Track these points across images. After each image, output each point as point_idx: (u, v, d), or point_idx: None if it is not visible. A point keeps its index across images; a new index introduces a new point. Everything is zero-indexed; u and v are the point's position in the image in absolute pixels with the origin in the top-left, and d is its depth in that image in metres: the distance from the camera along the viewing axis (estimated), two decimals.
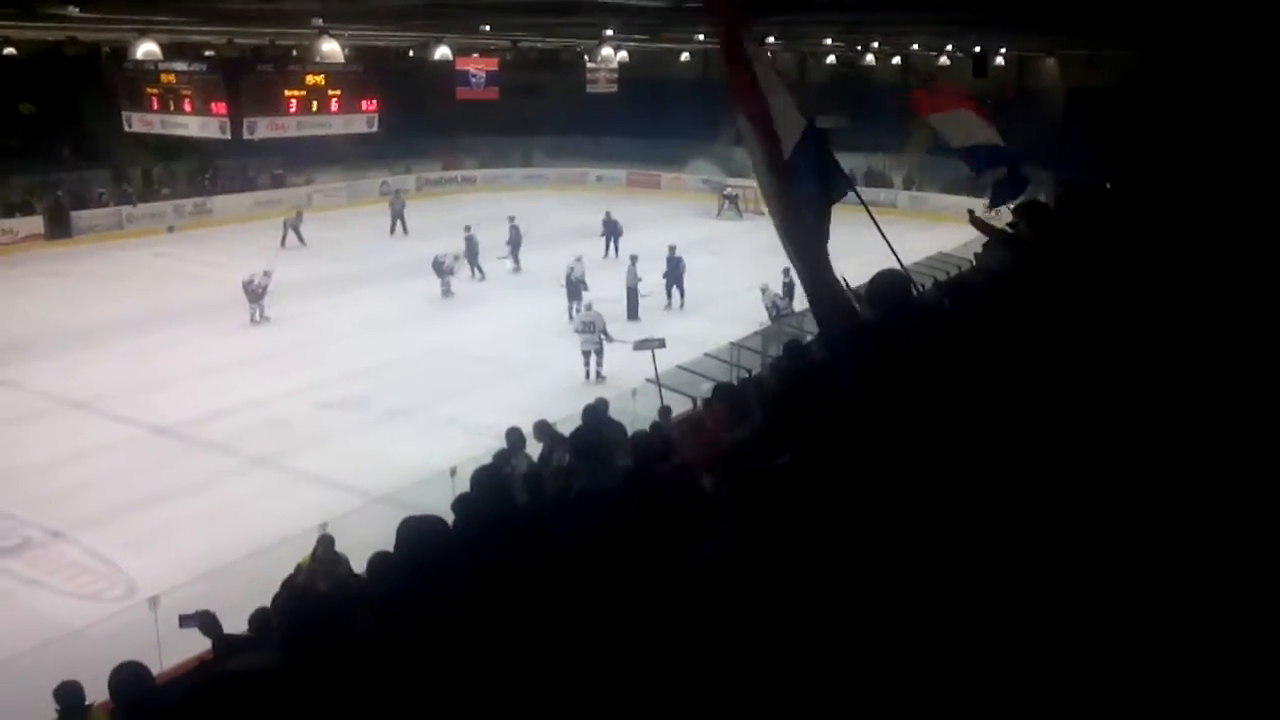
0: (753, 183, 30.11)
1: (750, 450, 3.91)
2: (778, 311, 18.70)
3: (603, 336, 16.81)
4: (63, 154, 31.28)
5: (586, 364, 16.81)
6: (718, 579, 2.57)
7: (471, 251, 23.72)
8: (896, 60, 37.02)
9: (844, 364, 4.35)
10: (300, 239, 29.21)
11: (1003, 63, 34.76)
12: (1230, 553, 2.20)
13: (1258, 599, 2.03)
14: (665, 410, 11.73)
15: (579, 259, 21.07)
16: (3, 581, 10.70)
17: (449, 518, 5.29)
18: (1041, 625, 2.10)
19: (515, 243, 24.80)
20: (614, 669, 2.34)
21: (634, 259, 21.15)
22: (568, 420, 9.09)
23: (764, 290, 19.04)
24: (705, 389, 13.79)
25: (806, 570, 2.51)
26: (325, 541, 8.62)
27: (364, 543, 5.61)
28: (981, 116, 8.82)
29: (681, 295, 21.72)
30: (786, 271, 18.63)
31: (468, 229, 24.05)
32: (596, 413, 9.22)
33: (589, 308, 17.93)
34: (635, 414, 11.59)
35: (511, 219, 24.96)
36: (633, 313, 20.47)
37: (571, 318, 19.98)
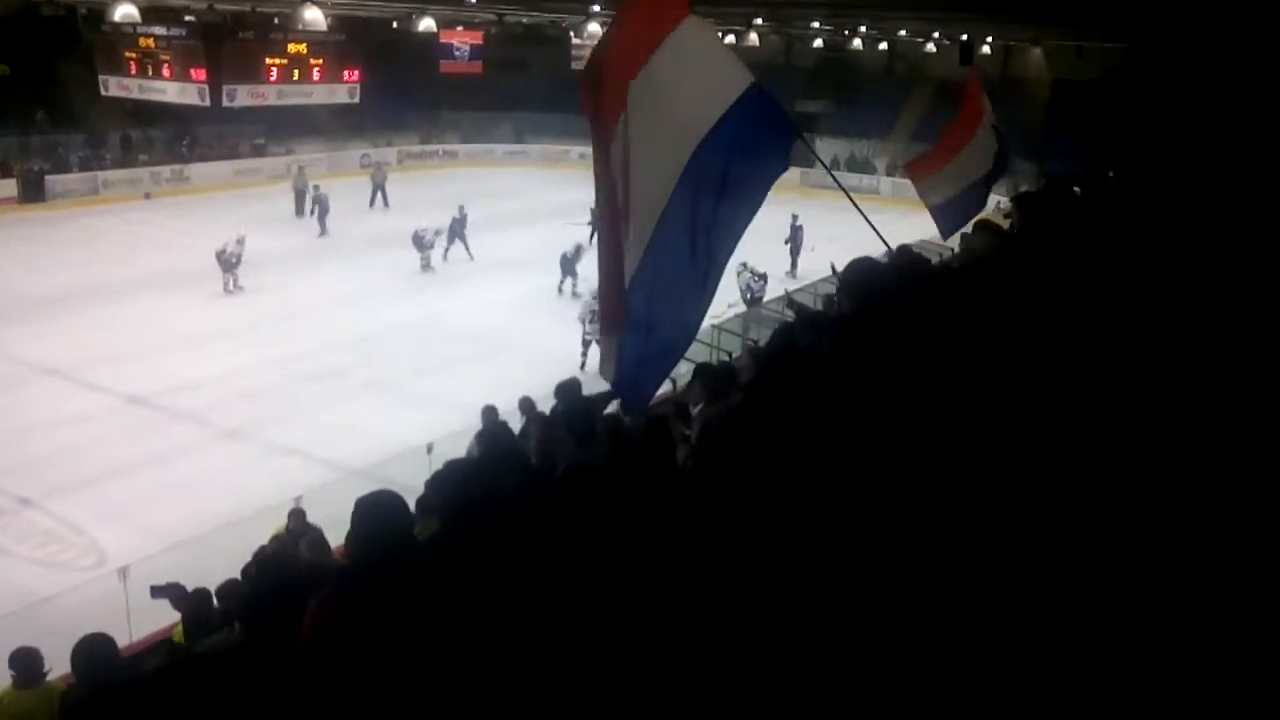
0: None
1: (726, 429, 3.91)
2: (752, 294, 18.75)
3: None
4: (36, 117, 30.81)
5: (585, 353, 16.11)
6: (701, 552, 2.57)
7: (458, 230, 23.17)
8: (883, 46, 36.98)
9: (824, 349, 4.34)
10: (385, 201, 29.35)
11: (989, 51, 34.76)
12: (1212, 535, 2.22)
13: (1248, 584, 2.04)
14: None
15: (578, 246, 21.04)
16: None
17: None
18: (1021, 600, 2.10)
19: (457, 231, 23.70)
20: (602, 654, 2.33)
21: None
22: (547, 398, 9.07)
23: (742, 268, 19.04)
24: (684, 370, 13.84)
25: (781, 550, 2.51)
26: (297, 514, 8.60)
27: (339, 516, 5.58)
28: (976, 136, 8.49)
29: (795, 265, 22.59)
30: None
31: (461, 209, 23.47)
32: (573, 390, 9.19)
33: (593, 294, 16.95)
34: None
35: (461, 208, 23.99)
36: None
37: (561, 292, 20.50)
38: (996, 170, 8.55)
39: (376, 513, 2.85)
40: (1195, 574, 2.11)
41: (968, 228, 7.33)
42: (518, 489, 3.29)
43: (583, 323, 16.47)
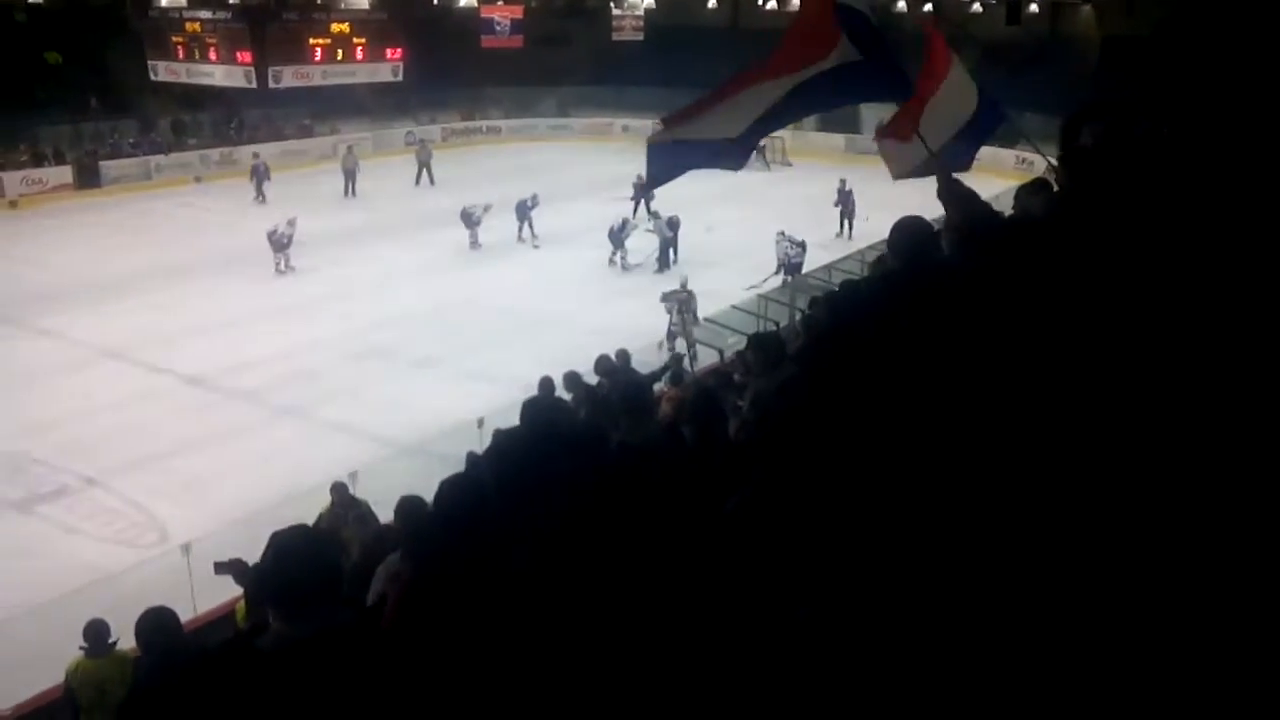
0: (781, 133, 29.73)
1: (780, 400, 3.89)
2: (789, 260, 18.62)
3: (691, 318, 15.60)
4: (89, 104, 31.36)
5: (671, 345, 15.43)
6: (747, 525, 2.57)
7: (524, 212, 22.72)
8: (929, 7, 36.29)
9: (871, 312, 4.29)
10: (431, 178, 29.43)
11: (1036, 9, 33.96)
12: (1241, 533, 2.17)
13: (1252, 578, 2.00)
14: (677, 358, 11.80)
15: (625, 219, 21.02)
16: (40, 527, 10.92)
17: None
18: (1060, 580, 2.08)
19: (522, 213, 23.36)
20: (647, 622, 2.35)
21: (656, 215, 21.02)
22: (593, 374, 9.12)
23: (780, 236, 18.93)
24: (732, 342, 13.83)
25: (830, 517, 2.50)
26: (338, 489, 8.75)
27: (392, 491, 5.67)
28: (946, 79, 7.82)
29: (850, 228, 22.48)
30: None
31: (534, 196, 22.91)
32: (619, 366, 9.23)
33: (684, 285, 16.15)
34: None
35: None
36: (663, 264, 20.62)
37: (612, 264, 20.73)
38: (989, 119, 7.86)
39: (459, 494, 2.87)
40: (1209, 570, 2.06)
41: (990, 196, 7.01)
42: (571, 465, 3.30)
43: (670, 313, 15.81)
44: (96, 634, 6.19)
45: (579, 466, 3.16)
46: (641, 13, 35.58)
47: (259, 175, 27.44)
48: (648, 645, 2.28)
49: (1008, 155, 33.22)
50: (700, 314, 15.55)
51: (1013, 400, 2.76)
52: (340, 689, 2.28)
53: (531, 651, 2.36)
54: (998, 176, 24.34)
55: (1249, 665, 1.80)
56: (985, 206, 4.58)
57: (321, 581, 2.42)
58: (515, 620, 2.44)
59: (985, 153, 9.97)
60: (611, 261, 20.92)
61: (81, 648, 6.22)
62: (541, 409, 3.72)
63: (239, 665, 2.35)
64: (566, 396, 9.03)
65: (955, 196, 4.54)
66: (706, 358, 14.55)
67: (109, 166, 29.35)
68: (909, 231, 4.28)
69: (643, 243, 20.94)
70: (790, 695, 2.06)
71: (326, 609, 2.39)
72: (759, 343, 5.25)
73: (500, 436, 3.67)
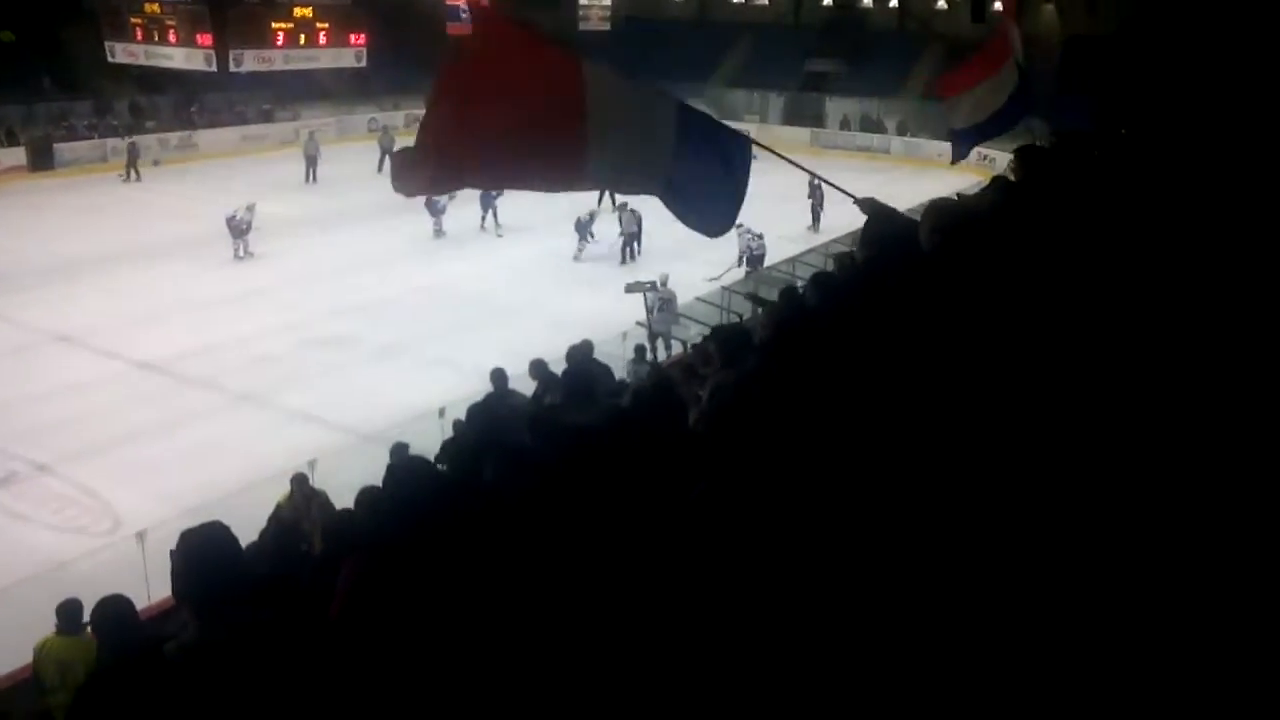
0: (746, 126, 29.93)
1: (739, 393, 3.90)
2: (751, 251, 18.73)
3: (671, 316, 15.17)
4: (43, 84, 30.72)
5: (653, 346, 14.23)
6: (709, 515, 2.57)
7: (489, 201, 22.50)
8: (894, 3, 36.53)
9: (834, 305, 4.32)
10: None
11: (1000, 7, 34.30)
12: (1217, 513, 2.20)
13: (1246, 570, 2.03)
14: (640, 349, 11.80)
15: (592, 211, 20.94)
16: None
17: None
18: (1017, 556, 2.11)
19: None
20: (607, 606, 2.34)
21: (623, 206, 20.99)
22: (559, 363, 9.09)
23: (739, 227, 18.98)
24: (695, 333, 13.84)
25: (791, 508, 2.51)
26: (299, 479, 8.69)
27: (351, 482, 5.62)
28: (1002, 70, 8.58)
29: (816, 221, 22.89)
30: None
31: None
32: (583, 354, 9.23)
33: (664, 284, 15.51)
34: (625, 357, 11.60)
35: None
36: (626, 257, 20.66)
37: (578, 259, 20.72)
38: (1018, 106, 8.53)
39: (409, 477, 2.85)
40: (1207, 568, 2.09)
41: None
42: (505, 458, 3.29)
43: (650, 312, 14.69)
44: (70, 613, 6.14)
45: (530, 450, 3.15)
46: (608, 3, 35.48)
47: (318, 159, 27.30)
48: (606, 631, 2.27)
49: (969, 152, 33.38)
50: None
51: (967, 386, 2.79)
52: (259, 689, 2.25)
53: (486, 640, 2.35)
54: (961, 173, 24.57)
55: (1249, 664, 1.82)
56: (905, 220, 4.66)
57: (233, 581, 2.37)
58: (469, 608, 2.43)
59: (949, 149, 10.26)
60: (577, 257, 20.89)
61: (55, 626, 6.17)
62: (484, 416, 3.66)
63: (149, 671, 2.31)
64: (532, 384, 8.99)
65: (872, 212, 4.68)
66: (672, 349, 14.59)
67: (63, 149, 28.78)
68: (880, 225, 4.34)
69: (609, 229, 20.92)
70: (752, 684, 2.07)
71: (243, 609, 2.34)
72: (720, 336, 5.27)
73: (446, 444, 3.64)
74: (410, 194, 4.40)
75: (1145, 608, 1.97)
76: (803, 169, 5.66)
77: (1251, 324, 3.11)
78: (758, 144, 4.83)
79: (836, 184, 5.22)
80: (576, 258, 20.81)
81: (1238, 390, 2.69)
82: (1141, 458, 2.42)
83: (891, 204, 4.97)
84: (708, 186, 4.60)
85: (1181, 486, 2.28)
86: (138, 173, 27.71)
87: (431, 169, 3.96)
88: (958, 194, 6.71)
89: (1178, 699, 1.80)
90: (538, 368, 9.05)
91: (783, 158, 5.28)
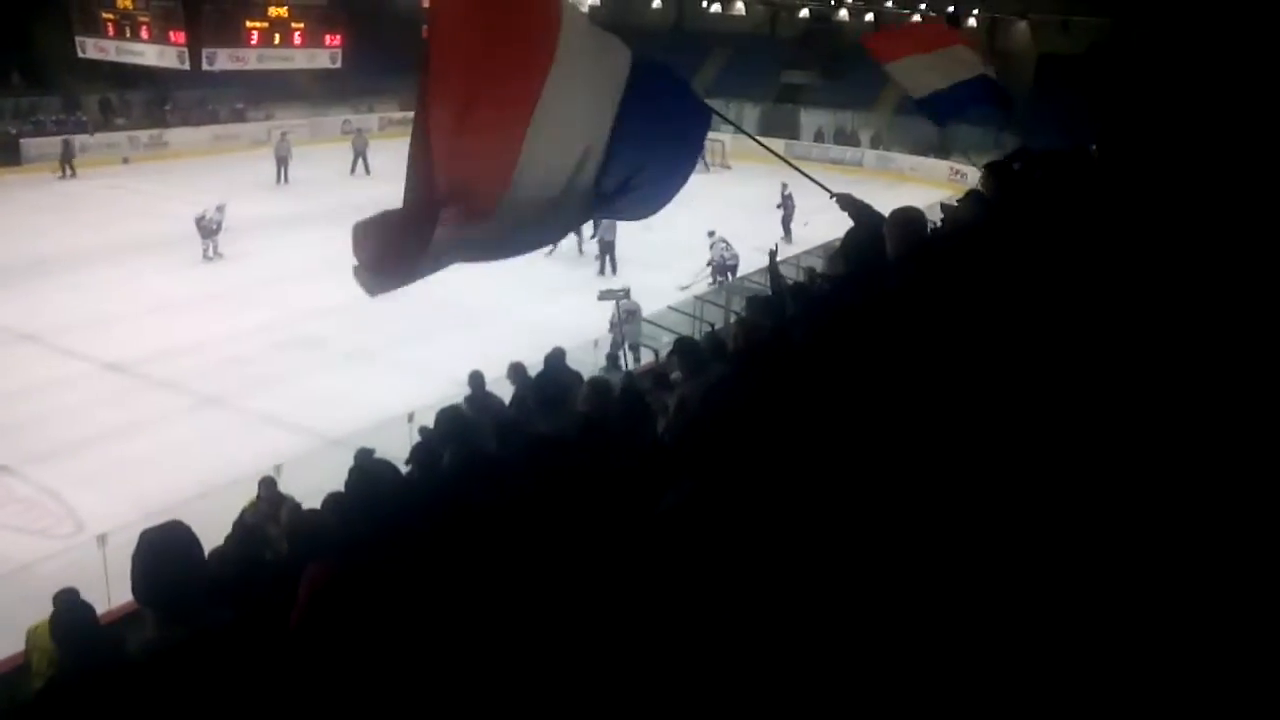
0: (721, 136, 29.97)
1: (707, 404, 3.91)
2: (722, 261, 18.81)
3: (635, 329, 14.94)
4: (11, 79, 30.31)
5: (624, 356, 14.69)
6: (678, 526, 2.57)
7: None
8: (870, 17, 36.82)
9: (804, 317, 4.34)
10: (366, 168, 28.86)
11: (974, 24, 34.66)
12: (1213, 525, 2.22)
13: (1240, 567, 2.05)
14: (612, 358, 11.81)
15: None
16: None
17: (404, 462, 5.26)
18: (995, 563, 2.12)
19: None
20: (576, 614, 2.33)
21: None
22: (533, 368, 9.08)
23: (711, 235, 19.11)
24: (666, 341, 13.86)
25: (763, 520, 2.51)
26: (267, 483, 8.60)
27: (318, 486, 5.57)
28: (965, 48, 8.48)
29: (789, 232, 22.79)
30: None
31: None
32: (555, 360, 9.24)
33: (627, 295, 15.29)
34: (597, 364, 11.60)
35: None
36: (603, 267, 20.72)
37: (549, 254, 20.20)
38: (992, 88, 8.43)
39: (368, 481, 2.84)
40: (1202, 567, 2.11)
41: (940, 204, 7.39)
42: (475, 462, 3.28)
43: (615, 326, 14.92)
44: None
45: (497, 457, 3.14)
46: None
47: (289, 160, 27.28)
48: (574, 639, 2.26)
49: (942, 166, 33.75)
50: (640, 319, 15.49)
51: (939, 398, 2.81)
52: (218, 692, 2.22)
53: (448, 649, 2.34)
54: (933, 187, 24.72)
55: (1249, 664, 1.83)
56: (881, 217, 4.70)
57: (193, 580, 2.34)
58: (434, 617, 2.41)
59: (921, 164, 10.37)
60: (549, 252, 20.86)
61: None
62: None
63: (112, 673, 2.28)
64: (511, 387, 8.95)
65: (850, 207, 4.73)
66: (643, 356, 14.58)
67: (30, 144, 28.38)
68: (861, 238, 4.38)
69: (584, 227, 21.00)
70: (721, 695, 2.07)
71: (202, 609, 2.32)
72: (682, 348, 5.32)
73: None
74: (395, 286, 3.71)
75: (1140, 610, 1.98)
76: (789, 163, 5.68)
77: (1224, 332, 3.15)
78: (752, 137, 4.87)
79: (816, 179, 5.27)
80: (549, 253, 20.76)
81: (1208, 395, 2.72)
82: (1112, 472, 2.44)
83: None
84: (650, 154, 4.26)
85: (1155, 506, 2.30)
86: (72, 169, 27.42)
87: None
88: (941, 204, 6.77)
89: (1178, 699, 1.81)
90: (516, 371, 9.03)
91: (772, 152, 5.39)
